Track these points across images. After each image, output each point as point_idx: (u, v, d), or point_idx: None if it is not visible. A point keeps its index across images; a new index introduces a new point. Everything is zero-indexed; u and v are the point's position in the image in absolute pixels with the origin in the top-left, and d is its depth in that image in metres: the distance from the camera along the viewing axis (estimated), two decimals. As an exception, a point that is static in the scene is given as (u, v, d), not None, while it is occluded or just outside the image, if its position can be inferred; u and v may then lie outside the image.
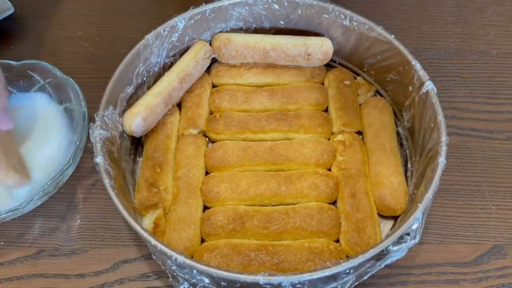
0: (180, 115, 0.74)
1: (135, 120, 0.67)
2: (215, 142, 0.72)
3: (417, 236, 0.56)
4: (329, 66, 0.78)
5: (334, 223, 0.63)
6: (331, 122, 0.72)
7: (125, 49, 0.69)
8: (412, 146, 0.69)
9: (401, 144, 0.71)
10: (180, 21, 0.72)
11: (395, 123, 0.73)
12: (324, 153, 0.69)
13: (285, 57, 0.75)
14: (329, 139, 0.72)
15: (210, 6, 0.73)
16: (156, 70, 0.73)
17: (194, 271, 0.53)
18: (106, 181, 0.59)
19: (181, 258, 0.53)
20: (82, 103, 0.69)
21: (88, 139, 0.64)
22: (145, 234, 0.55)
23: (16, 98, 0.74)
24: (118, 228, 0.68)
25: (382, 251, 0.54)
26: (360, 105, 0.74)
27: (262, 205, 0.66)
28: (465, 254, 0.66)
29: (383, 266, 0.57)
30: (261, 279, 0.51)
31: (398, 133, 0.72)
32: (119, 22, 0.90)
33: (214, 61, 0.78)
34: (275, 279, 0.51)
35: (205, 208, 0.67)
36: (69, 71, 0.72)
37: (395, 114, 0.73)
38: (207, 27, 0.76)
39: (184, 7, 0.73)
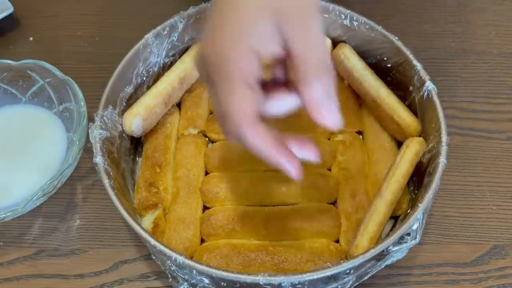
0: (179, 115, 0.74)
1: (135, 120, 0.67)
2: (215, 142, 0.72)
3: (418, 236, 0.56)
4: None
5: (334, 223, 0.63)
6: (331, 122, 0.72)
7: (125, 49, 0.69)
8: (413, 146, 0.69)
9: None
10: (180, 21, 0.72)
11: (396, 123, 0.72)
12: (324, 153, 0.68)
13: (285, 57, 0.75)
14: (329, 139, 0.72)
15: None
16: (155, 70, 0.73)
17: (194, 271, 0.53)
18: (106, 181, 0.58)
19: (180, 259, 0.52)
20: (82, 103, 0.69)
21: (87, 139, 0.63)
22: (144, 234, 0.55)
23: (13, 101, 0.74)
24: (118, 228, 0.68)
25: (383, 251, 0.54)
26: (360, 105, 0.74)
27: (262, 205, 0.66)
28: (465, 255, 0.66)
29: (383, 266, 0.56)
30: (261, 279, 0.51)
31: (398, 133, 0.72)
32: (119, 22, 0.89)
33: (214, 61, 0.78)
34: (275, 280, 0.51)
35: (205, 208, 0.67)
36: (69, 71, 0.72)
37: (395, 114, 0.73)
38: (207, 27, 0.75)
39: (184, 7, 0.73)
